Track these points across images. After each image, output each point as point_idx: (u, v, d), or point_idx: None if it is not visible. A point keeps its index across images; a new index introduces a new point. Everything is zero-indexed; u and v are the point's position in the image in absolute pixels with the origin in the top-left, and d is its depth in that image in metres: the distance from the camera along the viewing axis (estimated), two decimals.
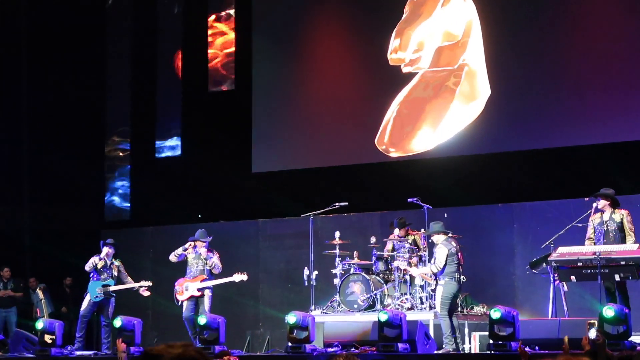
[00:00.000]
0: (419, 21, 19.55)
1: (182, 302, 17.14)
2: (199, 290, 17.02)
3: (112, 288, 17.49)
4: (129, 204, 22.68)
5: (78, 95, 22.45)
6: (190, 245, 17.24)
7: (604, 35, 18.36)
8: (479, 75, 19.09)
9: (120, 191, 22.86)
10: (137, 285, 17.53)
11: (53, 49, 22.62)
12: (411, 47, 19.44)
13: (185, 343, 3.14)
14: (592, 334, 10.96)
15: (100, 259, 17.53)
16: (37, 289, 20.17)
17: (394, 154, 19.72)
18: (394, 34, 19.71)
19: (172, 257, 17.34)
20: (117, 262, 17.68)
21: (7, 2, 22.93)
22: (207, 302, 17.01)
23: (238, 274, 17.16)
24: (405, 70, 19.66)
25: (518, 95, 18.85)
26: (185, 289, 17.09)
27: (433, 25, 19.43)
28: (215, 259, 17.11)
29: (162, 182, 22.02)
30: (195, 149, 22.14)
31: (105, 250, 17.62)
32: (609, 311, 12.95)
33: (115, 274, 17.58)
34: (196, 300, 17.08)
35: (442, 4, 19.37)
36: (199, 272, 17.12)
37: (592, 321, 11.32)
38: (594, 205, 15.13)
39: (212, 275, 17.15)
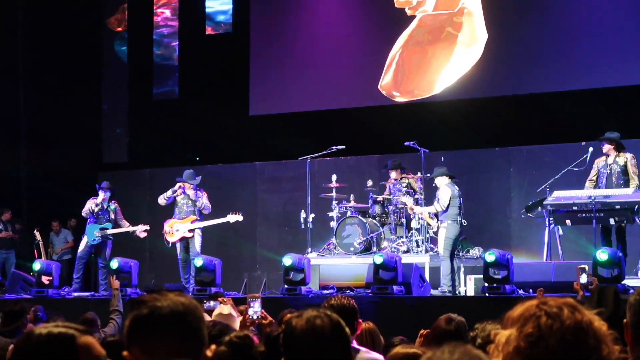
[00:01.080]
0: None
1: (172, 243, 17.20)
2: (189, 231, 17.07)
3: (110, 231, 17.55)
4: (126, 146, 22.65)
5: (75, 38, 22.33)
6: (180, 187, 17.28)
7: None
8: (477, 19, 19.03)
9: (117, 133, 22.84)
10: (133, 229, 17.60)
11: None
12: None
13: (177, 292, 3.15)
14: (584, 278, 10.99)
15: (96, 204, 17.57)
16: (35, 231, 20.19)
17: (399, 98, 19.67)
18: None
19: (161, 200, 17.41)
20: (112, 206, 17.71)
21: None
22: (197, 243, 17.09)
23: (232, 214, 17.22)
24: (410, 12, 19.54)
25: (515, 40, 18.81)
26: (176, 230, 17.14)
27: None
28: (204, 199, 17.18)
29: (160, 125, 21.98)
30: (192, 92, 22.08)
31: (102, 194, 17.65)
32: (602, 254, 13.04)
33: (113, 217, 17.63)
34: (186, 241, 17.15)
35: None
36: (189, 212, 17.17)
37: (582, 266, 11.34)
38: (590, 149, 15.18)
39: (202, 216, 17.22)
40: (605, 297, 11.61)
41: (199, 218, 17.21)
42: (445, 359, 2.63)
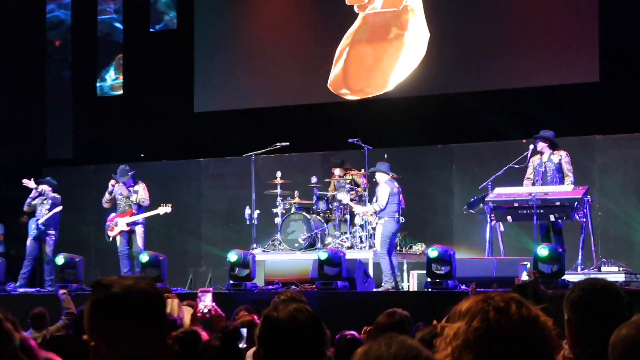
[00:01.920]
0: None
1: (113, 237, 17.19)
2: (128, 225, 17.05)
3: (42, 220, 17.37)
4: (70, 142, 22.51)
5: (18, 29, 22.16)
6: (112, 185, 17.30)
7: None
8: (420, 17, 19.14)
9: (61, 129, 22.69)
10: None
11: None
12: None
13: (138, 276, 3.13)
14: (524, 275, 11.16)
15: (32, 198, 17.49)
16: None
17: (348, 96, 19.68)
18: None
19: (105, 204, 17.42)
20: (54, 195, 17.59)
21: None
22: (139, 237, 17.07)
23: (162, 206, 17.24)
24: (358, 10, 19.57)
25: (455, 38, 18.93)
26: (115, 225, 17.14)
27: None
28: (141, 192, 17.17)
29: (105, 121, 21.90)
30: (137, 88, 22.01)
31: (40, 187, 17.58)
32: (543, 250, 13.22)
33: (47, 209, 17.48)
34: (128, 236, 17.14)
35: None
36: (127, 207, 17.17)
37: (524, 262, 11.52)
38: (530, 147, 15.36)
39: (143, 209, 17.22)
40: (526, 294, 11.79)
41: (135, 212, 17.19)
42: (382, 352, 2.65)
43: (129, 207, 17.16)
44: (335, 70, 19.74)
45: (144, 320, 3.02)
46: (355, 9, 19.63)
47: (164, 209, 17.23)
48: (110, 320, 2.99)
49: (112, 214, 17.31)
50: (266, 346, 3.72)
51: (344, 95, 19.68)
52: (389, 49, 19.41)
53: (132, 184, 17.32)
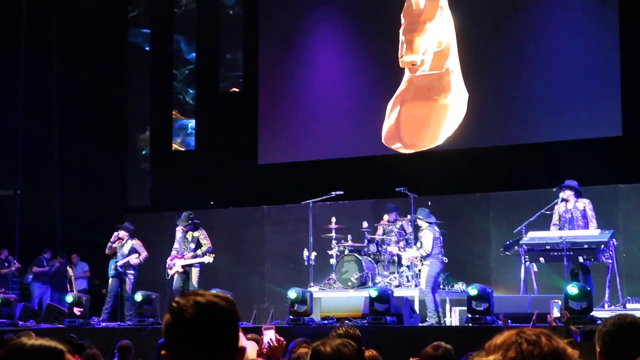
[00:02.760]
0: (421, 28, 19.48)
1: (171, 275, 17.20)
2: (182, 266, 17.05)
3: (120, 262, 17.42)
4: (149, 192, 22.72)
5: (103, 93, 22.47)
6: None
7: (570, 45, 18.46)
8: (459, 79, 19.14)
9: (141, 180, 22.92)
10: (135, 259, 17.44)
11: (81, 47, 22.61)
12: (420, 50, 19.41)
13: (215, 293, 2.95)
14: (556, 312, 11.04)
15: (112, 242, 17.56)
16: (67, 267, 20.29)
17: (402, 150, 19.61)
18: (402, 38, 19.60)
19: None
20: (132, 241, 17.60)
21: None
22: (194, 278, 17.04)
23: (208, 255, 17.12)
24: (411, 73, 19.58)
25: (491, 98, 18.92)
26: (173, 265, 17.14)
27: (432, 32, 19.40)
28: (203, 240, 17.15)
29: (179, 173, 22.08)
30: (207, 144, 22.20)
31: (121, 233, 17.65)
32: (573, 289, 13.06)
33: (126, 252, 17.51)
34: (186, 275, 17.12)
35: (439, 14, 19.33)
36: (185, 250, 17.17)
37: (556, 300, 11.40)
38: (561, 195, 15.25)
39: (196, 256, 17.16)
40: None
41: (192, 255, 17.15)
42: None
43: (185, 251, 17.16)
44: (388, 126, 19.70)
45: (213, 344, 2.87)
46: (407, 71, 19.62)
47: (209, 259, 17.15)
48: (178, 345, 2.87)
49: (173, 254, 17.29)
50: None
51: (398, 149, 19.62)
52: (436, 107, 19.36)
53: (192, 229, 17.30)
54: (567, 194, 15.02)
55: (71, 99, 22.60)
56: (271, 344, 7.29)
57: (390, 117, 19.73)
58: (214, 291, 3.02)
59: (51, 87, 22.94)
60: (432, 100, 19.37)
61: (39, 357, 2.91)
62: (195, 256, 17.03)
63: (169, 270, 17.21)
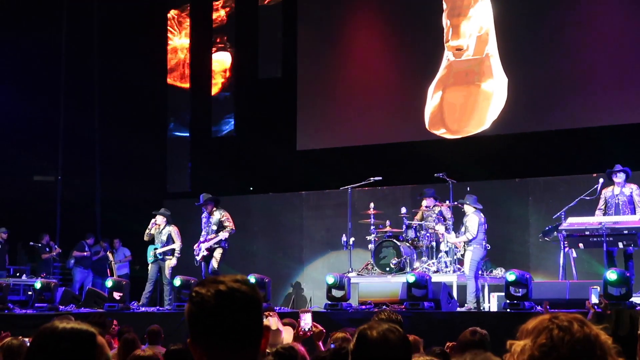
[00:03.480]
0: (465, 12, 19.41)
1: (199, 261, 17.20)
2: (207, 250, 17.05)
3: (159, 250, 17.49)
4: (188, 177, 22.78)
5: (143, 81, 22.54)
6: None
7: (610, 28, 18.26)
8: (498, 64, 19.05)
9: (180, 166, 22.99)
10: (176, 246, 17.46)
11: (121, 38, 22.72)
12: (466, 35, 19.33)
13: (235, 277, 2.91)
14: (594, 298, 10.92)
15: (150, 227, 17.63)
16: (108, 253, 20.41)
17: (447, 135, 19.55)
18: (447, 22, 19.53)
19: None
20: (169, 228, 17.64)
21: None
22: (215, 259, 17.02)
23: (223, 231, 17.06)
24: (455, 57, 19.48)
25: (530, 83, 18.79)
26: (199, 250, 17.15)
27: (475, 17, 19.32)
28: (226, 222, 17.15)
29: (219, 159, 22.13)
30: (247, 130, 22.21)
31: (159, 219, 17.71)
32: (612, 275, 12.92)
33: (164, 239, 17.56)
34: (208, 259, 17.13)
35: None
36: (209, 234, 17.17)
37: (595, 287, 11.28)
38: (600, 180, 15.10)
39: (221, 239, 17.15)
40: (622, 318, 11.56)
41: (213, 237, 17.17)
42: None
43: (208, 234, 17.18)
44: (431, 112, 19.64)
45: (244, 322, 2.86)
46: (451, 56, 19.51)
47: (224, 234, 17.09)
48: (209, 325, 2.85)
49: (200, 240, 17.31)
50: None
51: (442, 135, 19.53)
52: (480, 92, 19.28)
53: (213, 210, 17.31)
54: (620, 178, 14.86)
55: (112, 86, 22.74)
56: (308, 328, 7.25)
57: (432, 102, 19.68)
58: (234, 275, 2.96)
59: (92, 75, 23.08)
60: (475, 86, 19.29)
61: (70, 340, 2.93)
62: (220, 240, 17.06)
63: (197, 257, 17.22)
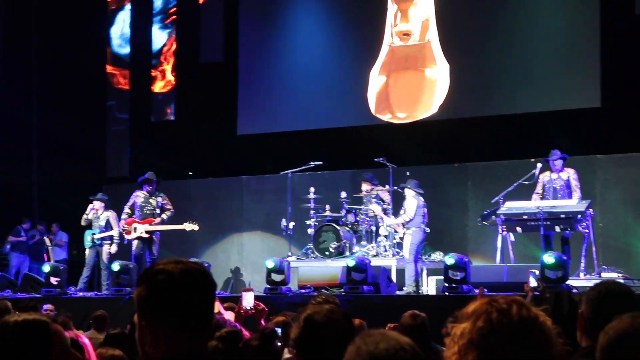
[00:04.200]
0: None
1: (129, 240, 17.04)
2: (147, 232, 16.91)
3: (97, 236, 17.33)
4: (127, 162, 22.53)
5: (82, 64, 22.22)
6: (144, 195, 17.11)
7: (550, 15, 18.40)
8: (439, 49, 19.10)
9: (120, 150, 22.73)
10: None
11: (60, 20, 22.37)
12: (414, 20, 19.34)
13: (192, 261, 2.92)
14: (533, 282, 11.00)
15: (87, 212, 17.47)
16: (45, 237, 20.12)
17: (395, 120, 19.54)
18: (394, 7, 19.53)
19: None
20: (107, 213, 17.49)
21: None
22: (155, 245, 16.92)
23: (189, 222, 17.04)
24: (402, 41, 19.47)
25: (469, 69, 18.87)
26: (134, 230, 16.95)
27: (420, 2, 19.35)
28: (167, 205, 17.07)
29: (158, 144, 21.90)
30: (187, 114, 22.01)
31: (96, 204, 17.54)
32: (549, 258, 13.04)
33: (103, 224, 17.39)
34: (145, 241, 16.97)
35: None
36: (149, 215, 17.02)
37: (533, 270, 11.38)
38: (538, 165, 15.22)
39: (163, 221, 17.03)
40: (562, 300, 11.68)
41: (155, 221, 17.05)
42: (372, 349, 2.55)
43: (151, 216, 17.03)
44: (377, 97, 19.62)
45: (201, 304, 2.85)
46: (398, 41, 19.52)
47: (191, 226, 17.02)
48: (169, 303, 2.80)
49: (129, 219, 17.12)
50: (305, 345, 3.57)
51: (390, 120, 19.52)
52: (425, 78, 19.30)
53: (154, 194, 17.19)
54: (559, 163, 15.02)
55: (50, 70, 22.38)
56: (250, 307, 7.20)
57: (377, 87, 19.67)
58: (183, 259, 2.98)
59: (29, 59, 22.69)
60: (419, 71, 19.35)
61: (25, 332, 2.90)
62: (163, 221, 16.93)
63: (125, 235, 17.01)
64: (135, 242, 17.01)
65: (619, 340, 3.10)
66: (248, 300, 7.17)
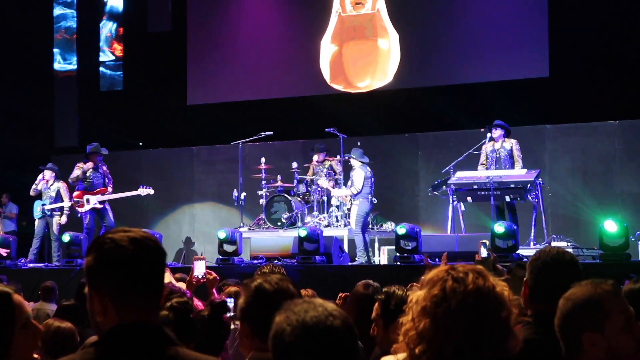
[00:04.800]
0: None
1: (81, 213, 16.94)
2: (100, 202, 16.82)
3: (48, 207, 17.21)
4: (76, 132, 22.30)
5: (27, 30, 21.89)
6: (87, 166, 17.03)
7: None
8: (388, 19, 19.12)
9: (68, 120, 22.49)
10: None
11: None
12: None
13: (142, 231, 2.90)
14: (484, 252, 11.09)
15: (37, 183, 17.33)
16: None
17: (351, 90, 19.51)
18: None
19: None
20: (58, 183, 17.36)
21: None
22: (110, 214, 16.85)
23: (143, 187, 16.99)
24: (357, 10, 19.44)
25: (417, 39, 18.93)
26: (86, 202, 16.85)
27: None
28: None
29: (107, 114, 21.71)
30: (136, 84, 21.83)
31: (47, 174, 17.40)
32: (499, 227, 13.16)
33: (53, 195, 17.27)
34: (98, 212, 16.89)
35: None
36: (99, 186, 16.93)
37: (484, 240, 11.45)
38: (488, 135, 15.32)
39: (111, 189, 16.97)
40: (486, 267, 11.74)
41: (108, 190, 16.97)
42: (301, 316, 2.54)
43: (102, 186, 16.93)
44: (331, 67, 19.59)
45: (152, 274, 2.84)
46: (335, 12, 19.52)
47: (146, 191, 16.96)
48: (120, 273, 2.79)
49: (78, 192, 17.00)
50: (254, 314, 3.57)
51: (346, 89, 19.51)
52: (377, 47, 19.31)
53: (100, 163, 17.12)
54: (497, 133, 15.11)
55: None
56: (201, 275, 7.20)
57: (329, 57, 19.64)
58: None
59: None
60: (372, 40, 19.33)
61: None
62: (114, 192, 16.87)
63: (78, 208, 16.88)
64: (90, 213, 16.90)
65: (584, 306, 3.16)
66: (199, 269, 7.17)
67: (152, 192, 17.00)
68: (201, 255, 17.54)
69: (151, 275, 2.83)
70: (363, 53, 19.49)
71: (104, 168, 17.06)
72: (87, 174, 16.94)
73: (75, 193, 16.96)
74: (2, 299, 2.87)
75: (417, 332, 2.80)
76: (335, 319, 2.53)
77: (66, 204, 17.14)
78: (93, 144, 17.18)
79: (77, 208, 16.91)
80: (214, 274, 7.34)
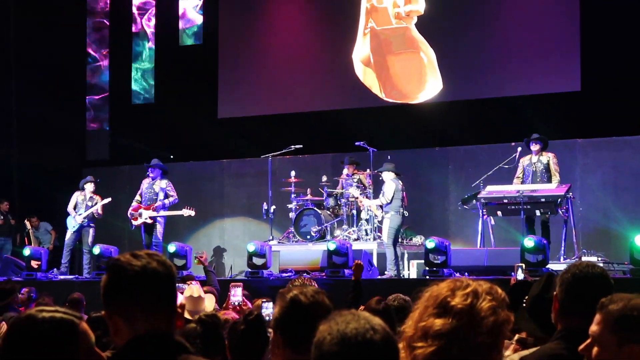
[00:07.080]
0: None
1: (136, 227, 17.03)
2: (151, 218, 16.89)
3: (84, 214, 17.27)
4: (108, 145, 22.44)
5: (62, 46, 22.05)
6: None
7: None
8: (419, 34, 19.10)
9: (100, 133, 22.63)
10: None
11: (38, 1, 22.23)
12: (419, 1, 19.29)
13: (149, 253, 2.99)
14: (520, 275, 11.04)
15: (79, 194, 17.43)
16: (25, 221, 20.00)
17: (408, 101, 19.42)
18: None
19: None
20: (97, 197, 17.49)
21: None
22: (159, 229, 16.90)
23: (187, 208, 17.03)
24: (408, 22, 19.38)
25: (451, 54, 18.85)
26: (139, 215, 16.96)
27: None
28: (170, 192, 17.04)
29: (138, 126, 21.83)
30: (167, 97, 21.94)
31: (88, 186, 17.50)
32: (529, 242, 13.12)
33: (90, 204, 17.38)
34: (147, 227, 16.96)
35: None
36: (151, 201, 17.00)
37: (520, 264, 11.39)
38: (518, 149, 15.27)
39: (164, 206, 17.01)
40: (552, 281, 11.69)
41: (160, 207, 17.02)
42: (342, 328, 2.55)
43: (153, 202, 16.99)
44: (380, 81, 19.42)
45: (159, 296, 2.93)
46: (366, 25, 19.49)
47: (188, 212, 17.01)
48: (129, 296, 2.90)
49: (135, 204, 17.12)
50: (290, 326, 3.57)
51: (399, 99, 19.35)
52: (421, 59, 19.18)
53: (159, 178, 17.17)
54: (536, 147, 15.06)
55: (29, 51, 22.20)
56: (239, 302, 7.23)
57: (374, 71, 19.50)
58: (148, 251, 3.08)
59: (9, 40, 22.52)
60: (415, 53, 19.21)
61: (51, 330, 2.80)
62: (164, 206, 16.89)
63: (133, 221, 17.02)
64: (143, 228, 17.00)
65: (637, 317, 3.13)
66: (236, 296, 7.21)
67: (193, 213, 17.04)
68: (231, 269, 17.63)
69: (160, 296, 2.94)
70: (412, 66, 19.28)
71: (163, 184, 17.06)
72: (144, 188, 17.07)
73: (133, 205, 17.09)
74: (68, 327, 2.84)
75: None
76: (376, 333, 2.54)
77: (97, 210, 17.24)
78: (153, 160, 17.29)
79: (132, 220, 17.03)
80: (249, 305, 7.34)
